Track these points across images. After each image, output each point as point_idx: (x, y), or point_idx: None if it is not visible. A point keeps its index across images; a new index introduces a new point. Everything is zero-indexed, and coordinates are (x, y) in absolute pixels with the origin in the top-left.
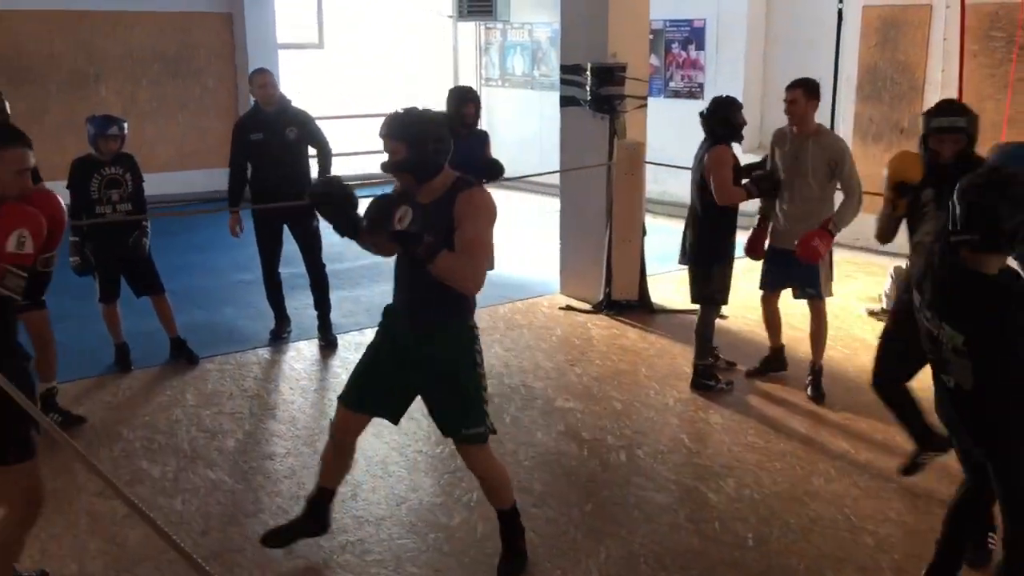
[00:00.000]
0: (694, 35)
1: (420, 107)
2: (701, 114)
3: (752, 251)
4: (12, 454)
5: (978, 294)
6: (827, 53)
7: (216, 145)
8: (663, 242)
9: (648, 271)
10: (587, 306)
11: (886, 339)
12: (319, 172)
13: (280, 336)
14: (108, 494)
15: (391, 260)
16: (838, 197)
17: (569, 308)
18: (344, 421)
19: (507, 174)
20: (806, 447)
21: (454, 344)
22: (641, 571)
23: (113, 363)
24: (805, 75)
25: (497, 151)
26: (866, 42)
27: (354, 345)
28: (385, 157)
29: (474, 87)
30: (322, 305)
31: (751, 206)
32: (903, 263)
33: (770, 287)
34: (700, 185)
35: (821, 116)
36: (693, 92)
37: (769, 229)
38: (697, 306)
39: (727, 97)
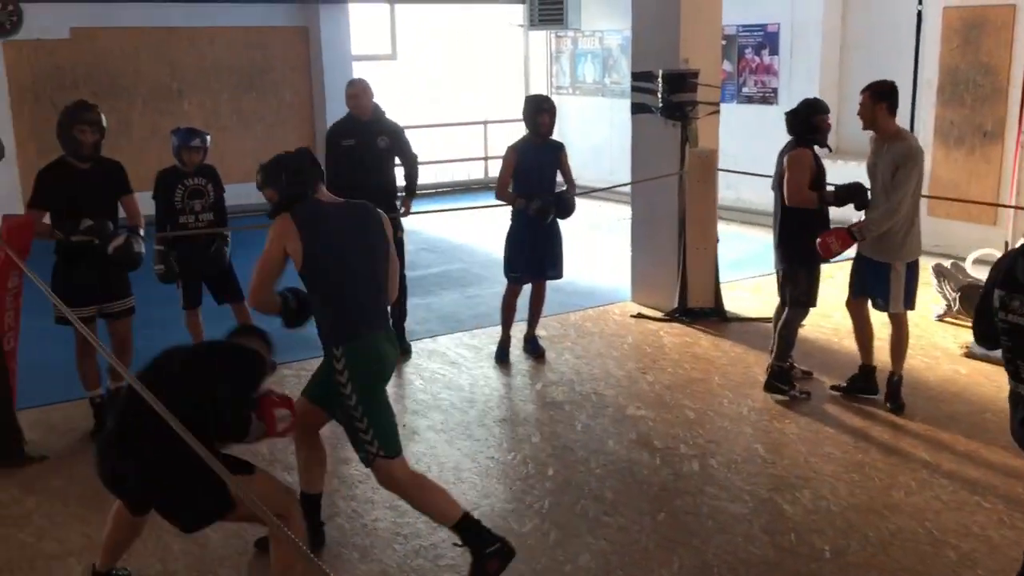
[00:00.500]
0: (768, 40)
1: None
2: (786, 115)
3: (821, 249)
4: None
5: None
6: (906, 56)
7: None
8: (737, 249)
9: (721, 278)
10: (659, 314)
11: None
12: (405, 183)
13: None
14: None
15: (460, 268)
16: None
17: (640, 316)
18: (303, 413)
19: (578, 183)
20: (886, 458)
21: (326, 366)
22: None
23: None
24: (883, 78)
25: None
26: (947, 44)
27: (427, 352)
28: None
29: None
30: (398, 312)
31: (843, 213)
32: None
33: (852, 293)
34: (779, 186)
35: (900, 120)
36: (767, 97)
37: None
38: (770, 315)
39: (813, 100)
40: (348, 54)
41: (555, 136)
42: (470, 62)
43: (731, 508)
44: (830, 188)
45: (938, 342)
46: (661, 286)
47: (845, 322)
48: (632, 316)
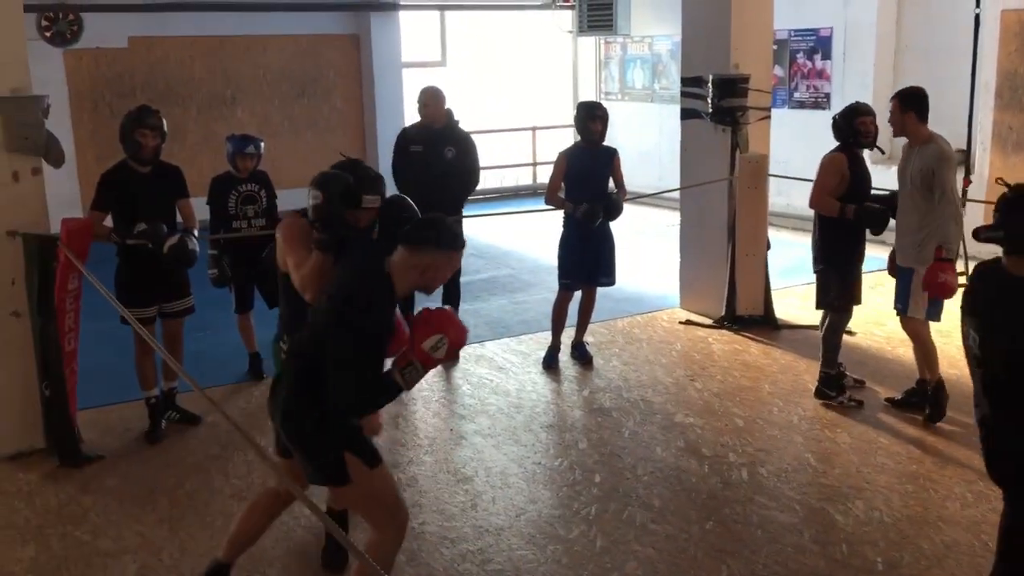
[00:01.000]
0: (820, 44)
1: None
2: (832, 120)
3: (940, 292)
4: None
5: None
6: (963, 60)
7: None
8: (787, 256)
9: (772, 285)
10: (708, 320)
11: None
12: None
13: None
14: (242, 496)
15: (508, 274)
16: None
17: (689, 322)
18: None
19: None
20: (940, 469)
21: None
22: None
23: (247, 371)
24: (939, 83)
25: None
26: (1005, 47)
27: (475, 357)
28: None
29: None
30: None
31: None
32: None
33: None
34: None
35: (958, 125)
36: (819, 102)
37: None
38: (818, 321)
39: (854, 103)
40: (398, 61)
41: (604, 142)
42: (519, 68)
43: (781, 518)
44: (875, 194)
45: None
46: (710, 293)
47: (898, 330)
48: (680, 323)
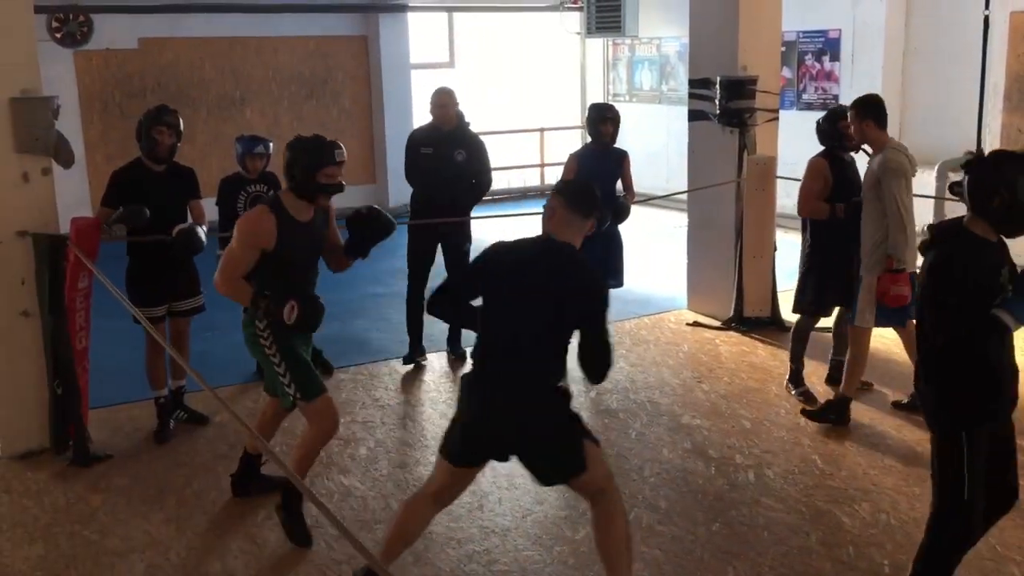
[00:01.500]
0: (828, 46)
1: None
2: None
3: (892, 302)
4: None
5: None
6: (972, 62)
7: (352, 164)
8: (794, 258)
9: (779, 287)
10: (715, 322)
11: None
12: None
13: (415, 360)
14: (249, 496)
15: None
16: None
17: (697, 324)
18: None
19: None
20: None
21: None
22: None
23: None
24: (948, 85)
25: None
26: (1014, 50)
27: None
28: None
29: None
30: None
31: None
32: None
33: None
34: None
35: (967, 127)
36: (827, 104)
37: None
38: (827, 324)
39: (835, 106)
40: (407, 62)
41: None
42: (527, 70)
43: (787, 520)
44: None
45: None
46: (717, 294)
47: None
48: (688, 324)
